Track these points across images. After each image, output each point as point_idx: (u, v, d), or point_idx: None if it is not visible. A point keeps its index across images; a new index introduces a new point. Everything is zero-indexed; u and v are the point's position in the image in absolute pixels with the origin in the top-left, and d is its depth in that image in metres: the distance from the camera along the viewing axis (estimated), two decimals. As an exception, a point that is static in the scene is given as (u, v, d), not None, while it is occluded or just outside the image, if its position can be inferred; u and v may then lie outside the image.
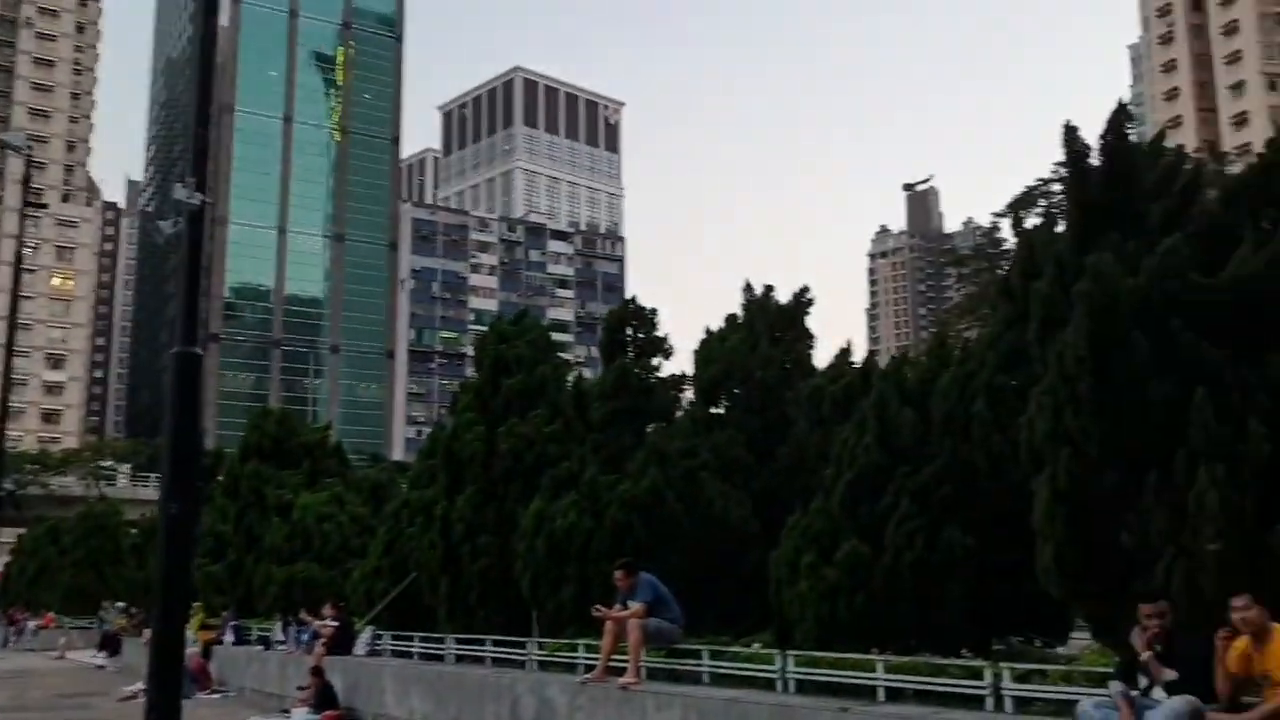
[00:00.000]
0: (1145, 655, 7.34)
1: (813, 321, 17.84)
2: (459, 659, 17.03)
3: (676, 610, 12.53)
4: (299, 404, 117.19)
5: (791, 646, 11.68)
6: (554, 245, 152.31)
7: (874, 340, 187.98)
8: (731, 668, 11.80)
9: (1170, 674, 7.20)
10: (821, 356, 17.94)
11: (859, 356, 16.99)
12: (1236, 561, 8.54)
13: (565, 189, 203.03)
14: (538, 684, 13.16)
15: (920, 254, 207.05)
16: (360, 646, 19.65)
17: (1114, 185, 10.72)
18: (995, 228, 69.10)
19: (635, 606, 12.14)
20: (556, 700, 12.56)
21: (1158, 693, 7.23)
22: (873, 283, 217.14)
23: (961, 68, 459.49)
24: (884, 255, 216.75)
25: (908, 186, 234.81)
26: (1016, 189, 71.07)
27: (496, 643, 16.05)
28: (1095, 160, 11.27)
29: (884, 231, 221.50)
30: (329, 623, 19.70)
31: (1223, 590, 7.78)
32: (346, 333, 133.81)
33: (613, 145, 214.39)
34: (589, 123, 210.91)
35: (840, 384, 15.14)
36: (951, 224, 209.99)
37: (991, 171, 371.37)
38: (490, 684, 14.13)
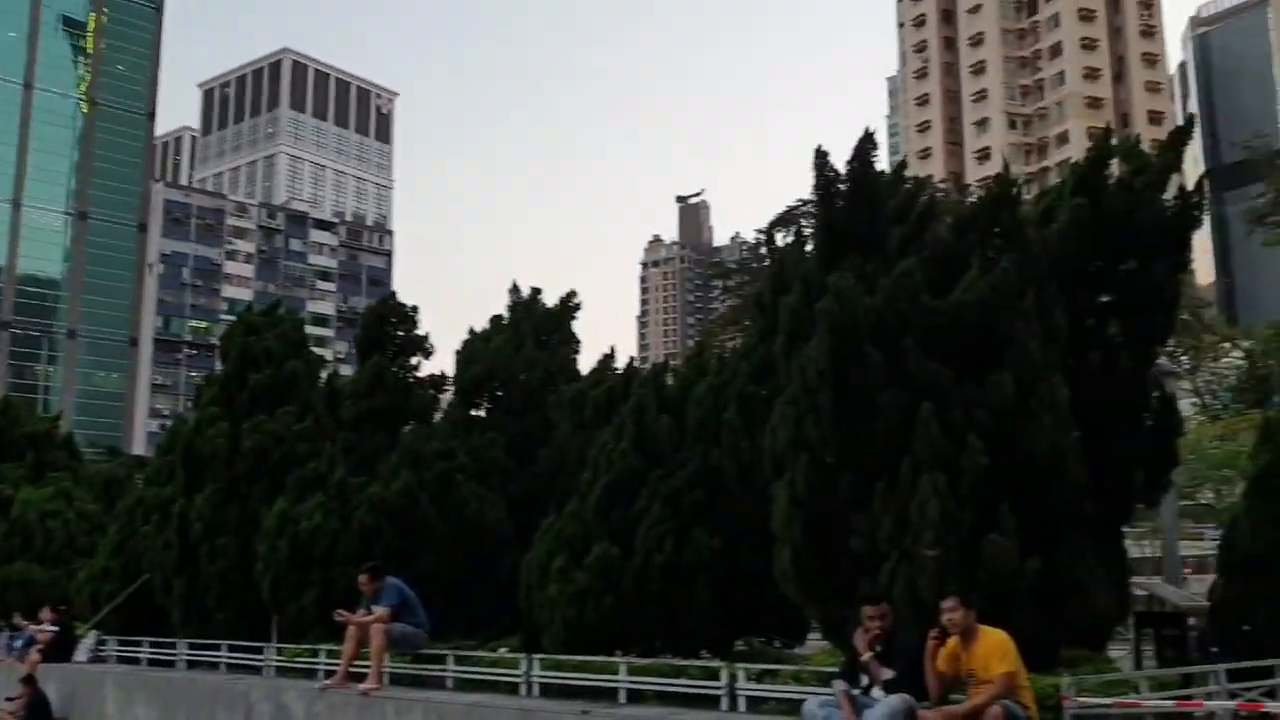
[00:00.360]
0: (866, 655, 7.72)
1: (585, 326, 18.05)
2: (192, 665, 16.15)
3: (423, 615, 12.31)
4: (29, 392, 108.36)
5: (539, 650, 11.69)
6: (317, 235, 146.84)
7: (644, 347, 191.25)
8: (477, 673, 11.70)
9: (888, 673, 7.60)
10: (591, 361, 18.06)
11: (632, 363, 17.18)
12: (952, 567, 9.13)
13: (331, 177, 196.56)
14: (274, 690, 12.65)
15: (690, 265, 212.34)
16: (82, 653, 18.33)
17: (858, 209, 11.26)
18: (760, 244, 71.81)
19: (380, 611, 11.84)
20: (293, 707, 12.11)
21: (877, 691, 7.62)
22: (644, 291, 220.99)
23: (741, 86, 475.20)
24: (656, 264, 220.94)
25: (680, 199, 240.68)
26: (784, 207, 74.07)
27: (233, 648, 15.33)
28: (843, 185, 11.83)
29: (656, 241, 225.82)
30: (47, 628, 18.29)
31: (940, 594, 8.29)
32: (86, 317, 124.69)
33: (384, 135, 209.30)
34: (360, 111, 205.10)
35: (602, 389, 15.28)
36: (722, 238, 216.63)
37: (764, 189, 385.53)
38: (224, 691, 13.47)
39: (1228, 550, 12.78)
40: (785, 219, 59.37)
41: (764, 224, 65.19)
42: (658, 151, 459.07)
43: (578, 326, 18.18)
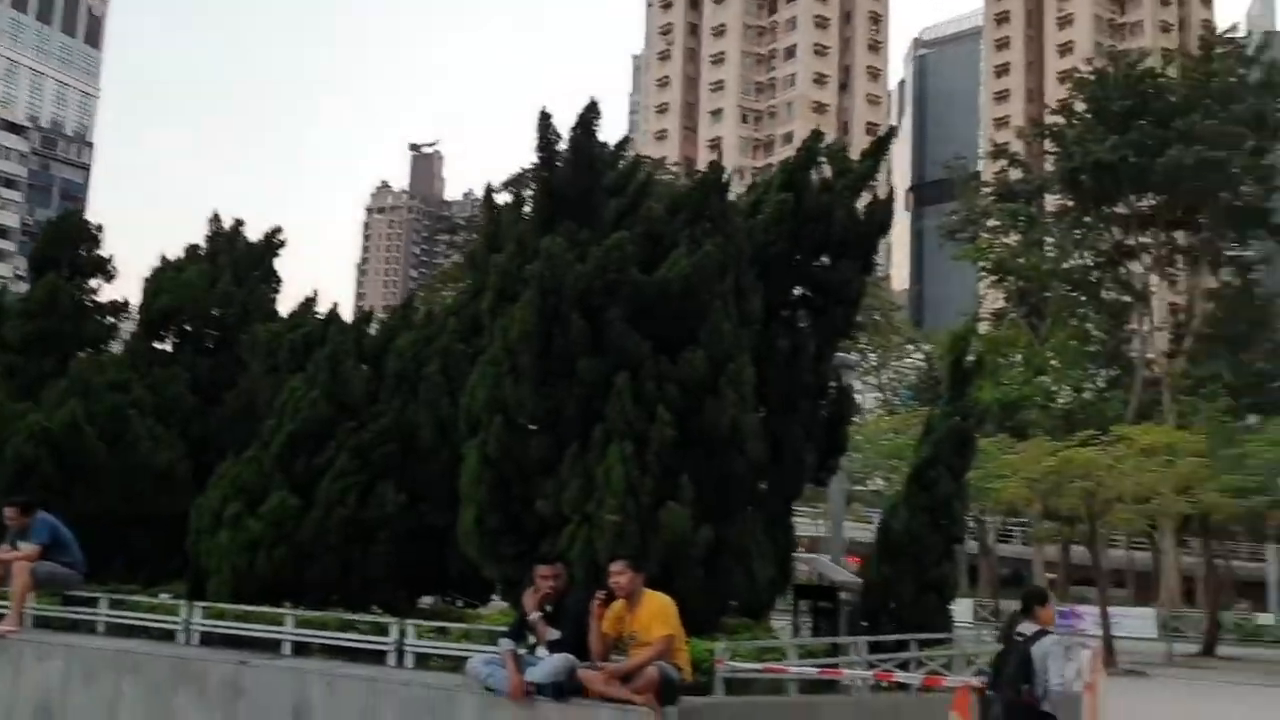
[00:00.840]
0: (534, 615, 7.81)
1: (301, 269, 17.20)
2: None
3: (78, 555, 11.46)
4: None
5: (205, 598, 11.15)
6: (4, 138, 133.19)
7: (361, 296, 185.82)
8: (132, 618, 11.03)
9: (554, 633, 7.71)
10: (295, 303, 17.24)
11: (335, 309, 16.55)
12: (631, 532, 9.40)
13: (28, 77, 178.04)
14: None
15: (419, 216, 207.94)
16: None
17: (578, 176, 11.33)
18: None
19: (27, 548, 10.93)
20: (-93, 652, 10.94)
21: (542, 651, 7.72)
22: (367, 238, 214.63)
23: (497, 44, 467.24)
24: (381, 211, 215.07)
25: (414, 147, 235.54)
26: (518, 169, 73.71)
27: None
28: (566, 151, 11.87)
29: (384, 188, 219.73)
30: None
31: (618, 557, 8.51)
32: None
33: (94, 40, 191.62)
34: (67, 9, 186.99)
35: (300, 333, 14.67)
36: (457, 193, 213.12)
37: (508, 150, 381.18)
38: None
39: (885, 533, 13.89)
40: (518, 181, 59.19)
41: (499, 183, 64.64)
42: (399, 97, 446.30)
43: (286, 266, 17.36)
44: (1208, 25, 77.66)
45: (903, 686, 10.43)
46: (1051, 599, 7.81)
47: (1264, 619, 42.27)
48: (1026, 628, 7.35)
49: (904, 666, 11.09)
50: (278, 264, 17.02)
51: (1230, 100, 45.04)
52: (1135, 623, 38.11)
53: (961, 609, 35.28)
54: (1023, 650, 7.25)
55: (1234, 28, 53.93)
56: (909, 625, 12.48)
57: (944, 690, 9.39)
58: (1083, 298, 49.95)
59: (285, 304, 17.09)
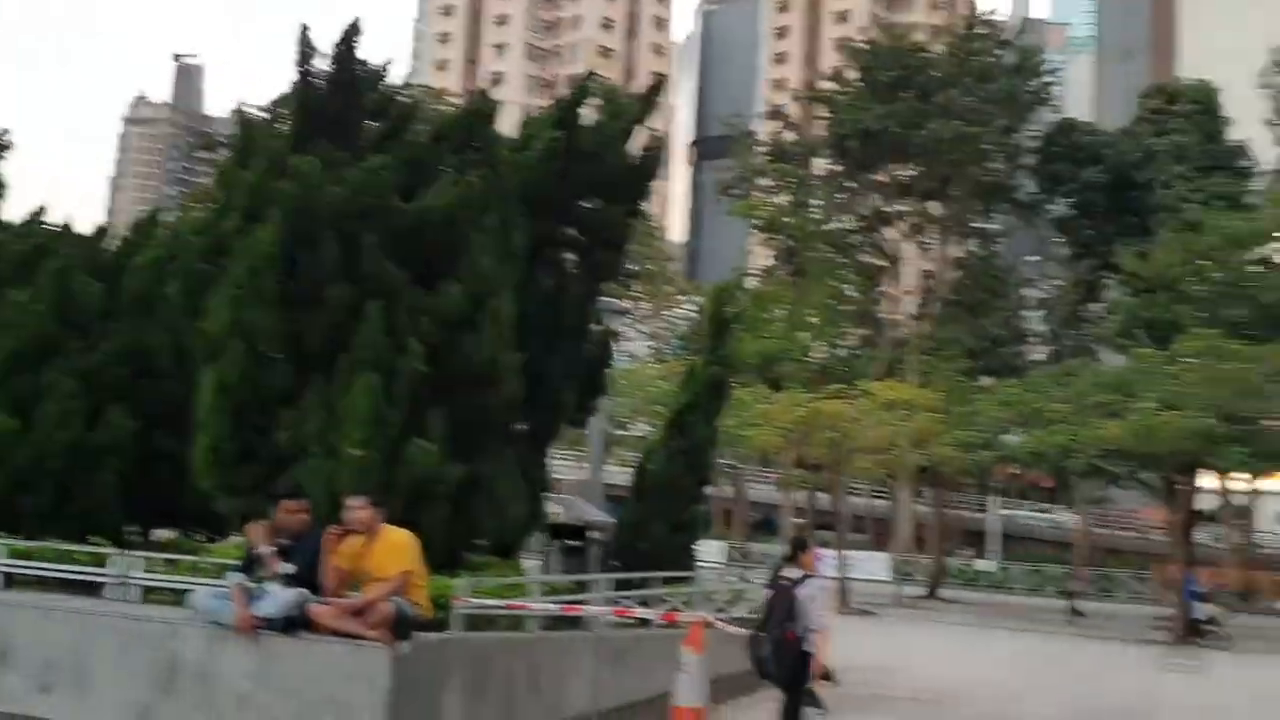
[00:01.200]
0: (263, 549, 7.48)
1: (46, 179, 15.77)
2: None
3: None
4: None
5: (-99, 527, 10.22)
6: None
7: (113, 214, 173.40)
8: None
9: (287, 568, 7.40)
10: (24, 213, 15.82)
11: (68, 222, 15.33)
12: (375, 467, 9.18)
13: None
14: None
15: (180, 131, 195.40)
16: None
17: (337, 96, 10.87)
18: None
19: None
20: None
21: (273, 585, 7.41)
22: (122, 150, 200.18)
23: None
24: (139, 124, 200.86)
25: (177, 57, 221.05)
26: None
27: None
28: (328, 70, 11.33)
29: (143, 99, 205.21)
30: None
31: (358, 492, 8.27)
32: None
33: None
34: None
35: (29, 243, 13.55)
36: (221, 108, 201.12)
37: (282, 71, 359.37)
38: None
39: (640, 476, 14.20)
40: (283, 101, 56.43)
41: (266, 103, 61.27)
42: (168, 7, 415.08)
43: (27, 177, 16.01)
44: (971, 6, 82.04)
45: (645, 622, 10.69)
46: (813, 546, 8.23)
47: (982, 565, 45.78)
48: (792, 573, 7.69)
49: (647, 603, 11.36)
50: (3, 169, 15.62)
51: (987, 79, 47.75)
52: (871, 566, 40.55)
53: (715, 550, 36.72)
54: (789, 594, 7.60)
55: (994, 11, 57.09)
56: (659, 564, 12.82)
57: (683, 626, 9.67)
58: (842, 259, 52.15)
59: (16, 214, 15.73)
